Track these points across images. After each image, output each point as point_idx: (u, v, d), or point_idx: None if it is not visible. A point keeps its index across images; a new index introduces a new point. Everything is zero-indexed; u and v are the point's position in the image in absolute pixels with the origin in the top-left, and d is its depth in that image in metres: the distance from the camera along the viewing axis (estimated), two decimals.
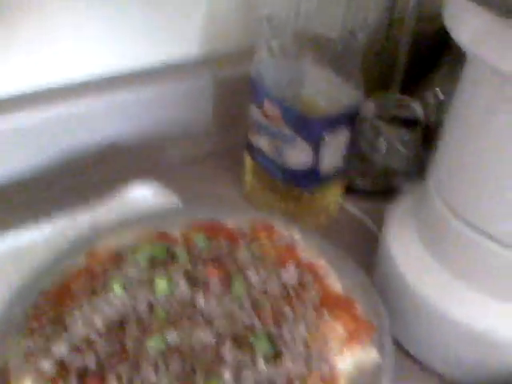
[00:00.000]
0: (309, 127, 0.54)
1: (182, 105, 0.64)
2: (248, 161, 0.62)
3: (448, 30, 0.42)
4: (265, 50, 0.54)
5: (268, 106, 0.55)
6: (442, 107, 0.64)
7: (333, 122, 0.54)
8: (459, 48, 0.48)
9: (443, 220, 0.47)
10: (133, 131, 0.63)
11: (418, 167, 0.68)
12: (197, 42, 0.65)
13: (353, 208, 0.64)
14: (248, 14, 0.64)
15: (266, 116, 0.55)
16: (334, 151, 0.56)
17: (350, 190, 0.65)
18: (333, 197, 0.62)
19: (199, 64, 0.66)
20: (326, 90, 0.54)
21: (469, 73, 0.44)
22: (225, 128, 0.68)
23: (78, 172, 0.61)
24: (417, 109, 0.65)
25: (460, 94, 0.45)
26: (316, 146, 0.54)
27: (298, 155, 0.55)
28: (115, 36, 0.61)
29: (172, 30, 0.63)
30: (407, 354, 0.51)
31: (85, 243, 0.51)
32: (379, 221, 0.60)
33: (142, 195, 0.56)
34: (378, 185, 0.67)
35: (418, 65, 0.68)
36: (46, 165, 0.59)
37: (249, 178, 0.63)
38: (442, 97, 0.64)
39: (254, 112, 0.57)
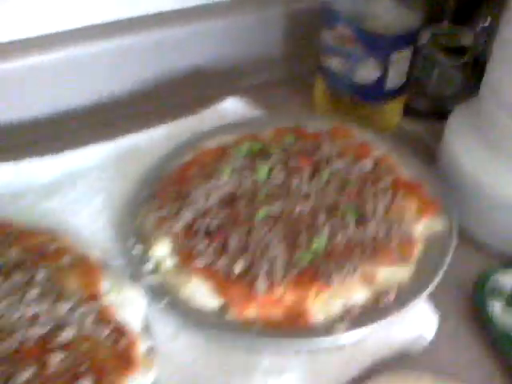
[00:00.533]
0: (379, 46, 0.62)
1: (258, 34, 0.74)
2: (319, 83, 0.71)
3: None
4: None
5: (341, 28, 0.63)
6: (491, 35, 0.72)
7: (399, 42, 0.62)
8: None
9: (495, 116, 0.56)
10: (215, 58, 0.73)
11: (469, 92, 0.76)
12: None
13: (411, 125, 0.72)
14: None
15: (339, 38, 0.64)
16: (398, 69, 0.64)
17: (406, 112, 0.74)
18: (395, 111, 0.70)
19: None
20: (392, 13, 0.62)
21: None
22: (296, 55, 0.77)
23: (175, 91, 0.71)
24: (467, 37, 0.73)
25: None
26: (384, 62, 0.63)
27: (368, 72, 0.64)
28: None
29: None
30: (467, 235, 0.59)
31: (192, 143, 0.60)
32: (433, 138, 0.69)
33: (233, 107, 0.65)
34: (432, 107, 0.76)
35: None
36: (153, 83, 0.70)
37: (320, 98, 0.72)
38: (488, 24, 0.72)
39: (327, 36, 0.66)
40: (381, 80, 0.64)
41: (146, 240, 0.52)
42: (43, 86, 0.65)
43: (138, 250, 0.51)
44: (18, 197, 0.55)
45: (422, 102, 0.76)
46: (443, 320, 0.49)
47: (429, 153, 0.68)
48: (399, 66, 0.64)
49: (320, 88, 0.71)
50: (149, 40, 0.68)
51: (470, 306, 0.53)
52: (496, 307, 0.51)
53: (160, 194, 0.55)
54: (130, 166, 0.59)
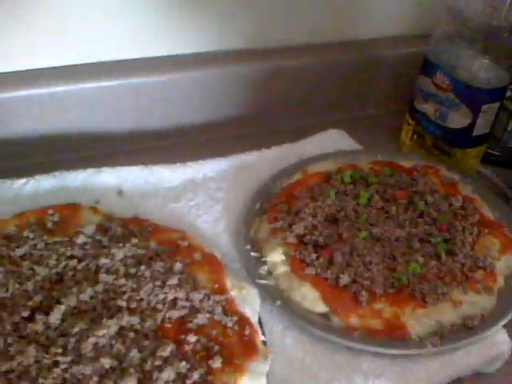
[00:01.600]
0: (473, 96, 0.69)
1: (355, 72, 0.82)
2: (408, 123, 0.78)
3: None
4: (442, 34, 0.70)
5: (440, 77, 0.70)
6: None
7: (491, 95, 0.69)
8: None
9: None
10: (319, 92, 0.81)
11: None
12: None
13: (487, 171, 0.79)
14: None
15: (436, 85, 0.71)
16: (486, 119, 0.71)
17: (484, 161, 0.80)
18: (475, 158, 0.77)
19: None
20: (488, 69, 0.69)
21: None
22: (388, 95, 0.85)
23: (276, 119, 0.80)
24: None
25: None
26: (476, 112, 0.70)
27: (459, 119, 0.71)
28: None
29: None
30: None
31: (299, 166, 0.68)
32: (507, 184, 0.75)
33: (333, 138, 0.73)
34: (506, 156, 0.82)
35: None
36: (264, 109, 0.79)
37: (406, 137, 0.79)
38: None
39: (424, 82, 0.73)
40: (469, 128, 0.71)
41: (259, 247, 0.59)
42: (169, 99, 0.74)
43: (253, 255, 0.58)
44: (147, 197, 0.63)
45: (497, 151, 0.82)
46: None
47: (503, 198, 0.74)
48: (487, 116, 0.71)
49: (408, 128, 0.78)
50: (266, 68, 0.77)
51: None
52: None
53: (271, 209, 0.62)
54: (244, 181, 0.66)
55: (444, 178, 0.68)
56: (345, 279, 0.55)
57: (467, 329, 0.54)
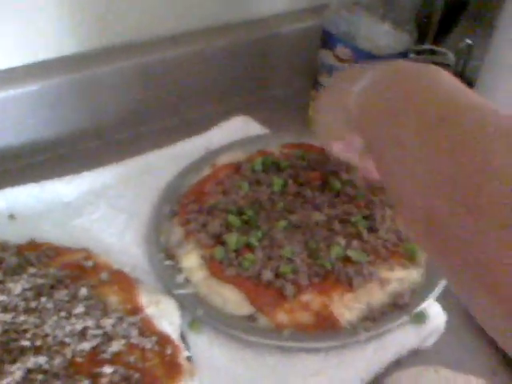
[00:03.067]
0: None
1: (255, 54, 0.78)
2: (314, 98, 0.75)
3: None
4: (338, 4, 0.68)
5: (341, 49, 0.68)
6: (470, 53, 0.77)
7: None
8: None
9: None
10: (216, 78, 0.76)
11: None
12: None
13: None
14: None
15: (338, 58, 0.68)
16: None
17: None
18: None
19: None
20: (388, 36, 0.67)
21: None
22: (292, 73, 0.81)
23: (177, 110, 0.75)
24: (449, 56, 0.78)
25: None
26: None
27: None
28: None
29: None
30: None
31: (206, 159, 0.64)
32: None
33: (239, 125, 0.69)
34: None
35: (449, 19, 0.82)
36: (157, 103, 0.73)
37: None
38: (470, 43, 0.78)
39: (326, 56, 0.70)
40: None
41: (173, 254, 0.55)
42: (49, 107, 0.67)
43: (167, 263, 0.54)
44: (43, 217, 0.57)
45: None
46: (450, 317, 0.53)
47: None
48: None
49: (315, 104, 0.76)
50: (152, 62, 0.71)
51: None
52: None
53: (182, 210, 0.58)
54: (148, 184, 0.62)
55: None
56: (267, 275, 0.51)
57: (398, 307, 0.51)
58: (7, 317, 0.46)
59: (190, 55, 0.73)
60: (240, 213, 0.57)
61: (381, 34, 0.66)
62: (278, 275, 0.51)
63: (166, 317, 0.49)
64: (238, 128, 0.69)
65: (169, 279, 0.53)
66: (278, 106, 0.80)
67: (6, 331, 0.45)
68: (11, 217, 0.57)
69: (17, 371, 0.42)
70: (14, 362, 0.43)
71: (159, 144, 0.66)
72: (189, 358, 0.47)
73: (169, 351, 0.45)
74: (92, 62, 0.67)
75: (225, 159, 0.64)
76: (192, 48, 0.73)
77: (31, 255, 0.51)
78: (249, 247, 0.53)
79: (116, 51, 0.69)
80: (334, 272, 0.52)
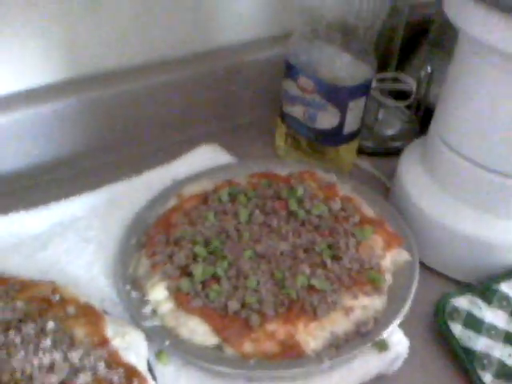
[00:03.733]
0: (338, 95, 0.69)
1: (220, 82, 0.80)
2: (280, 127, 0.77)
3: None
4: (299, 35, 0.69)
5: (303, 80, 0.70)
6: (431, 80, 0.80)
7: (356, 91, 0.69)
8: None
9: (442, 154, 0.63)
10: (182, 105, 0.78)
11: (412, 132, 0.84)
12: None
13: (364, 164, 0.79)
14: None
15: (301, 88, 0.70)
16: (355, 115, 0.71)
17: (359, 153, 0.80)
18: (351, 153, 0.77)
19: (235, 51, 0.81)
20: (349, 66, 0.69)
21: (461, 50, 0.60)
22: (258, 102, 0.83)
23: (141, 140, 0.76)
24: (411, 83, 0.81)
25: (456, 64, 0.61)
26: (343, 110, 0.69)
27: (328, 119, 0.70)
28: None
29: None
30: (425, 264, 0.66)
31: (173, 190, 0.65)
32: (384, 174, 0.76)
33: (208, 154, 0.70)
34: (380, 147, 0.83)
35: (410, 44, 0.84)
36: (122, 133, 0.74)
37: (281, 141, 0.78)
38: (429, 72, 0.80)
39: (289, 86, 0.72)
40: (339, 126, 0.71)
41: (141, 286, 0.55)
42: (16, 139, 0.68)
43: (134, 295, 0.54)
44: (12, 250, 0.57)
45: (371, 142, 0.83)
46: (412, 342, 0.55)
47: (383, 189, 0.75)
48: (355, 112, 0.71)
49: (280, 132, 0.77)
50: (118, 92, 0.72)
51: (433, 327, 0.60)
52: (456, 328, 0.58)
53: (149, 242, 0.58)
54: (115, 215, 0.62)
55: (321, 180, 0.67)
56: (234, 305, 0.52)
57: (362, 335, 0.53)
58: None
59: (156, 84, 0.74)
60: (206, 243, 0.58)
61: (341, 64, 0.68)
62: (244, 305, 0.52)
63: (133, 348, 0.49)
64: (205, 157, 0.70)
65: (136, 311, 0.53)
66: (244, 133, 0.81)
67: None
68: None
69: None
70: None
71: (126, 173, 0.67)
72: None
73: (135, 383, 0.46)
74: (57, 93, 0.68)
75: (191, 189, 0.65)
76: (159, 78, 0.74)
77: None
78: (215, 278, 0.54)
79: (80, 82, 0.70)
80: (299, 301, 0.53)
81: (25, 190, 0.68)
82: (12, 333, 0.47)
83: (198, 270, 0.54)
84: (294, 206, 0.62)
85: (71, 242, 0.59)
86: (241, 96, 0.82)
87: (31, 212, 0.60)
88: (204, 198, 0.63)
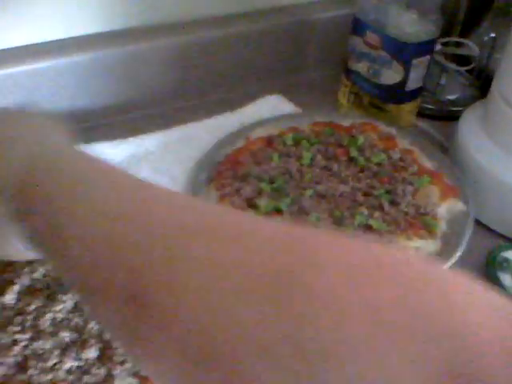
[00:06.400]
0: (403, 52, 0.71)
1: (290, 39, 0.83)
2: (344, 85, 0.79)
3: None
4: None
5: (370, 35, 0.72)
6: (494, 46, 0.81)
7: (420, 49, 0.71)
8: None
9: (503, 113, 0.65)
10: (253, 59, 0.81)
11: (472, 96, 0.85)
12: None
13: (424, 125, 0.81)
14: None
15: (368, 44, 0.73)
16: (417, 73, 0.73)
17: (418, 113, 0.82)
18: (411, 112, 0.79)
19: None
20: (415, 24, 0.71)
21: None
22: (323, 59, 0.86)
23: (216, 89, 0.80)
24: (474, 48, 0.82)
25: None
26: (407, 67, 0.72)
27: (392, 75, 0.73)
28: None
29: None
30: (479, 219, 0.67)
31: (241, 132, 0.69)
32: (443, 136, 0.78)
33: (273, 104, 0.74)
34: (440, 110, 0.85)
35: (475, 11, 0.86)
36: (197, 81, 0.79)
37: (343, 99, 0.80)
38: (492, 37, 0.81)
39: (356, 42, 0.74)
40: (402, 83, 0.73)
41: None
42: (98, 78, 0.73)
43: None
44: None
45: (431, 105, 0.84)
46: None
47: (441, 148, 0.77)
48: (419, 70, 0.73)
49: (344, 89, 0.80)
50: (192, 42, 0.76)
51: (482, 279, 0.62)
52: (506, 279, 0.60)
53: (218, 176, 0.62)
54: (186, 153, 0.66)
55: (382, 132, 0.70)
56: None
57: None
58: None
59: (229, 38, 0.78)
60: (271, 181, 0.61)
61: (407, 21, 0.70)
62: None
63: None
64: (271, 106, 0.74)
65: None
66: (310, 88, 0.84)
67: None
68: None
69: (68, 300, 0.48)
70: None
71: (198, 118, 0.71)
72: None
73: None
74: (139, 38, 0.73)
75: (258, 133, 0.68)
76: (230, 31, 0.78)
77: None
78: (278, 212, 0.58)
79: (159, 30, 0.75)
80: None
81: (109, 126, 0.73)
82: None
83: (264, 202, 0.58)
84: (354, 153, 0.65)
85: (146, 172, 0.64)
86: (306, 53, 0.85)
87: (112, 143, 0.65)
88: (269, 141, 0.67)
